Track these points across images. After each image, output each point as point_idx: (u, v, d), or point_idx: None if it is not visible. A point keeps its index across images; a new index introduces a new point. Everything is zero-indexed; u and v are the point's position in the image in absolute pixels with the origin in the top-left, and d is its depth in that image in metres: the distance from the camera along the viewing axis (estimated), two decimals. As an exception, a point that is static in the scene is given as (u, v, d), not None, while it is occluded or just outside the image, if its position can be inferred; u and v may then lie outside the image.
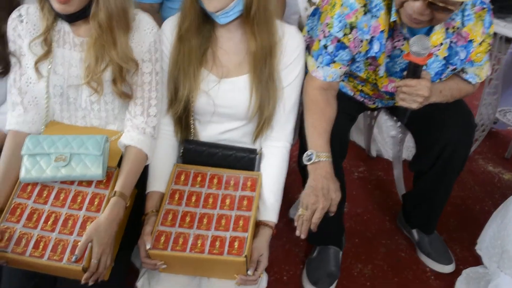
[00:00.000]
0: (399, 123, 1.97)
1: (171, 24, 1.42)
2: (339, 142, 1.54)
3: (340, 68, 1.49)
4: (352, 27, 1.42)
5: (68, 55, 1.33)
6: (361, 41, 1.45)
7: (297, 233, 1.37)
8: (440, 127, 1.59)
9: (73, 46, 1.33)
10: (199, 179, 1.44)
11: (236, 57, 1.41)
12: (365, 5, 1.41)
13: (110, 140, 1.37)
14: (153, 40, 1.36)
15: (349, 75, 1.65)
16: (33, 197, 1.29)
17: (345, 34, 1.43)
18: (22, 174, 1.27)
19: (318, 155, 1.41)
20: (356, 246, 1.91)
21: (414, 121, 1.60)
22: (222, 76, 1.41)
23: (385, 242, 1.94)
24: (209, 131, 1.47)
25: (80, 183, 1.31)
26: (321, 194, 1.35)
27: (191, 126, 1.46)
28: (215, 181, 1.43)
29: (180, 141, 1.49)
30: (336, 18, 1.43)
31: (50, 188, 1.30)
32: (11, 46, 1.36)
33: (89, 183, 1.31)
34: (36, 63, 1.31)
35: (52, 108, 1.38)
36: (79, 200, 1.28)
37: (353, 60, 1.52)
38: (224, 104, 1.41)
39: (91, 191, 1.30)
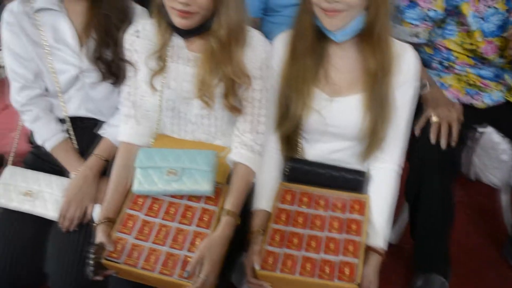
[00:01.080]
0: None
1: (282, 41, 1.39)
2: (450, 162, 1.47)
3: (409, 27, 1.56)
4: None
5: (182, 69, 1.35)
6: None
7: (434, 139, 1.46)
8: None
9: (186, 61, 1.35)
10: (305, 199, 1.40)
11: (348, 75, 1.36)
12: None
13: (219, 155, 1.36)
14: (265, 57, 1.34)
15: (448, 65, 1.60)
16: (144, 210, 1.30)
17: None
18: (135, 186, 1.29)
19: (430, 83, 1.53)
20: (462, 278, 1.78)
21: None
22: (334, 94, 1.36)
23: (493, 276, 1.80)
24: (316, 150, 1.43)
25: (190, 197, 1.31)
26: (450, 107, 1.47)
27: (298, 144, 1.42)
28: (322, 202, 1.39)
29: (285, 158, 1.46)
30: None
31: (161, 201, 1.31)
32: (127, 60, 1.40)
33: (198, 198, 1.31)
34: (151, 78, 1.34)
35: (163, 121, 1.40)
36: (189, 215, 1.28)
37: (440, 23, 1.53)
38: (335, 123, 1.37)
39: (201, 207, 1.30)
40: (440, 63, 1.64)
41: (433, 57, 1.66)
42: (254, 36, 1.35)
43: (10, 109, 3.30)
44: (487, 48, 1.53)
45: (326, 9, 1.23)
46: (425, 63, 1.67)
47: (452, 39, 1.58)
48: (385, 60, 1.31)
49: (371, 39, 1.30)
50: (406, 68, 1.35)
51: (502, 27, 1.52)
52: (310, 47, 1.33)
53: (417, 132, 1.44)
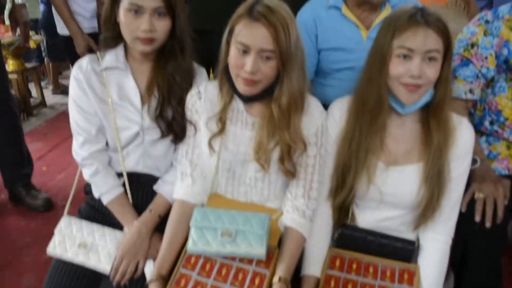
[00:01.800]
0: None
1: (340, 107, 1.43)
2: (496, 236, 1.46)
3: (464, 84, 1.62)
4: (473, 45, 1.62)
5: (239, 132, 1.39)
6: (486, 57, 1.59)
7: (479, 218, 1.45)
8: None
9: (245, 125, 1.39)
10: (354, 266, 1.40)
11: (405, 145, 1.39)
12: (485, 31, 1.62)
13: (272, 219, 1.39)
14: (320, 124, 1.38)
15: (498, 127, 1.64)
16: (197, 269, 1.32)
17: (466, 50, 1.63)
18: (190, 245, 1.32)
19: (481, 158, 1.56)
20: None
21: None
22: (390, 163, 1.38)
23: None
24: (367, 217, 1.44)
25: (242, 259, 1.33)
26: (497, 182, 1.49)
27: (350, 211, 1.44)
28: (371, 270, 1.39)
29: (335, 224, 1.47)
30: (458, 43, 1.65)
31: (213, 262, 1.33)
32: (188, 119, 1.45)
33: (250, 260, 1.33)
34: (210, 139, 1.39)
35: (218, 182, 1.44)
36: (240, 278, 1.30)
37: (491, 81, 1.61)
38: (390, 192, 1.38)
39: (252, 270, 1.31)
40: (491, 123, 1.67)
41: (483, 119, 1.69)
42: (311, 103, 1.39)
43: (58, 149, 3.44)
44: None
45: (409, 84, 1.27)
46: (476, 126, 1.70)
47: (503, 95, 1.62)
48: (443, 133, 1.34)
49: (437, 113, 1.34)
50: (462, 141, 1.37)
51: None
52: (374, 118, 1.35)
53: (463, 208, 1.44)
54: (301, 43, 1.31)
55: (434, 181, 1.34)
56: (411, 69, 1.25)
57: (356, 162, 1.36)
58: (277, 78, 1.31)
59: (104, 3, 1.46)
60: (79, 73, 1.49)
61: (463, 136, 1.37)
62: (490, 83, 1.64)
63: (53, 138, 3.68)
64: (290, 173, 1.37)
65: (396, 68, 1.27)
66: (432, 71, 1.26)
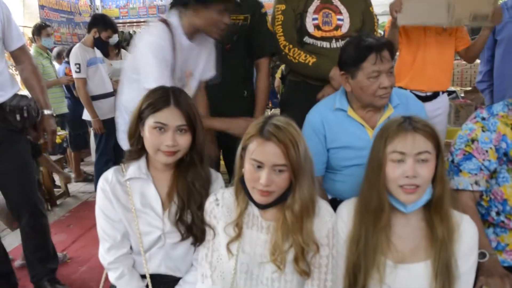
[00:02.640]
0: None
1: (348, 209, 1.53)
2: None
3: (469, 177, 1.71)
4: (473, 140, 1.74)
5: (255, 236, 1.49)
6: (486, 151, 1.69)
7: None
8: None
9: (260, 228, 1.49)
10: None
11: (411, 243, 1.47)
12: (482, 127, 1.74)
13: (289, 319, 1.45)
14: (331, 226, 1.48)
15: (505, 217, 1.70)
16: None
17: (467, 145, 1.73)
18: None
19: (490, 253, 1.58)
20: None
21: None
22: (398, 261, 1.45)
23: None
24: None
25: None
26: (504, 277, 1.53)
27: None
28: None
29: None
30: (459, 139, 1.77)
31: None
32: (208, 224, 1.56)
33: None
34: (228, 243, 1.49)
35: (237, 282, 1.52)
36: None
37: (494, 172, 1.70)
38: None
39: None
40: (497, 214, 1.73)
41: (490, 209, 1.75)
42: (322, 207, 1.50)
43: (81, 241, 3.54)
44: None
45: (406, 185, 1.38)
46: (483, 217, 1.77)
47: (507, 184, 1.70)
48: (450, 229, 1.42)
49: (438, 209, 1.44)
50: (466, 237, 1.44)
51: None
52: (380, 218, 1.45)
53: None
54: (309, 154, 1.44)
55: (444, 277, 1.41)
56: (406, 171, 1.37)
57: (365, 261, 1.44)
58: (290, 186, 1.43)
59: (129, 121, 1.62)
60: (105, 184, 1.63)
61: (467, 231, 1.45)
62: (493, 174, 1.73)
63: (76, 229, 3.80)
64: (305, 273, 1.45)
65: (392, 171, 1.39)
66: (425, 171, 1.38)
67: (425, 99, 2.87)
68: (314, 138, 1.95)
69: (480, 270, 1.57)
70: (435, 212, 1.44)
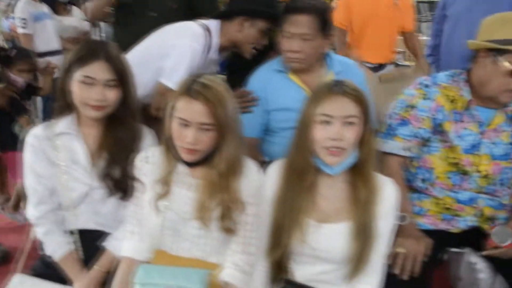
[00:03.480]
0: (488, 265, 1.94)
1: (276, 170, 1.55)
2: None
3: (402, 142, 1.76)
4: (412, 106, 1.77)
5: (184, 194, 1.50)
6: (423, 119, 1.74)
7: (398, 271, 1.57)
8: None
9: (189, 186, 1.51)
10: None
11: (335, 203, 1.51)
12: (423, 94, 1.77)
13: (212, 274, 1.48)
14: (258, 185, 1.51)
15: (428, 185, 1.78)
16: None
17: (405, 111, 1.77)
18: (134, 301, 1.41)
19: (410, 216, 1.69)
20: None
21: (506, 264, 1.65)
22: (321, 221, 1.50)
23: None
24: (305, 272, 1.54)
25: (182, 314, 1.41)
26: (419, 240, 1.64)
27: (287, 267, 1.54)
28: None
29: (274, 279, 1.56)
30: (399, 103, 1.80)
31: None
32: (137, 181, 1.56)
33: (190, 315, 1.41)
34: (156, 200, 1.49)
35: (163, 239, 1.53)
36: None
37: (427, 141, 1.75)
38: (322, 248, 1.49)
39: None
40: (422, 181, 1.81)
41: (416, 175, 1.83)
42: (250, 167, 1.52)
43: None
44: (465, 161, 1.73)
45: (331, 147, 1.41)
46: (408, 182, 1.84)
47: (436, 154, 1.76)
48: (372, 191, 1.47)
49: (362, 172, 1.48)
50: (387, 199, 1.50)
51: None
52: (304, 179, 1.48)
53: (388, 261, 1.57)
54: (237, 113, 1.45)
55: (363, 238, 1.46)
56: (332, 133, 1.40)
57: (289, 220, 1.48)
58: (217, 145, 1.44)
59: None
60: (34, 139, 1.61)
61: (388, 194, 1.50)
62: (426, 142, 1.79)
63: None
64: (230, 231, 1.48)
65: (319, 133, 1.42)
66: (351, 134, 1.41)
67: (373, 70, 2.93)
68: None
69: (398, 232, 1.64)
70: (359, 175, 1.48)
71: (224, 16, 2.10)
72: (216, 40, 2.06)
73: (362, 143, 1.46)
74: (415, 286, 1.60)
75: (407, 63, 5.54)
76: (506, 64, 1.57)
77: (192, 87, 1.39)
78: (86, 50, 1.52)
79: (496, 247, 1.62)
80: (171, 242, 1.53)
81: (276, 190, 1.53)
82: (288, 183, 1.50)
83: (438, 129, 1.75)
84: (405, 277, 1.56)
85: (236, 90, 2.14)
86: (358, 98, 1.43)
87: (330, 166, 1.45)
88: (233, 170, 1.45)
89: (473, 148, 1.73)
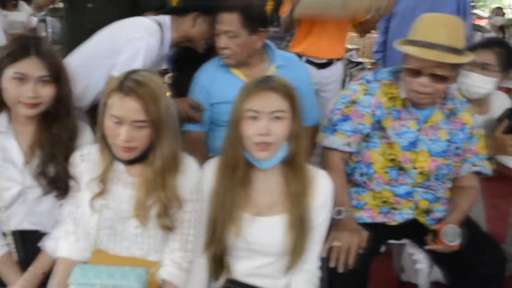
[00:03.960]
0: (426, 256, 2.00)
1: (212, 167, 1.56)
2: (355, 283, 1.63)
3: (343, 137, 1.79)
4: (354, 102, 1.80)
5: (121, 192, 1.48)
6: (363, 115, 1.78)
7: (333, 264, 1.58)
8: (470, 264, 1.68)
9: (125, 184, 1.49)
10: None
11: (270, 197, 1.54)
12: (365, 90, 1.81)
13: (150, 272, 1.47)
14: (196, 182, 1.51)
15: (367, 179, 1.83)
16: None
17: (347, 107, 1.80)
18: (69, 303, 1.38)
19: (347, 210, 1.71)
20: None
21: (442, 256, 1.70)
22: (256, 214, 1.52)
23: None
24: (242, 266, 1.56)
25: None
26: (354, 233, 1.65)
27: (226, 262, 1.55)
28: None
29: (212, 274, 1.57)
30: (341, 99, 1.85)
31: None
32: (74, 179, 1.53)
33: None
34: (92, 199, 1.47)
35: (101, 238, 1.51)
36: None
37: (367, 136, 1.80)
38: (258, 241, 1.51)
39: None
40: (361, 175, 1.85)
41: (355, 170, 1.87)
42: (188, 164, 1.52)
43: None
44: (403, 158, 1.78)
45: (260, 143, 1.43)
46: (348, 176, 1.89)
47: (375, 150, 1.80)
48: (305, 184, 1.50)
49: (293, 166, 1.50)
50: (321, 192, 1.54)
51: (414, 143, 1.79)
52: (236, 174, 1.50)
53: (324, 253, 1.61)
54: (172, 110, 1.45)
55: (298, 230, 1.49)
56: (259, 128, 1.42)
57: (223, 215, 1.49)
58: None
59: None
60: None
61: (321, 187, 1.54)
62: (366, 138, 1.83)
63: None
64: (168, 228, 1.47)
65: (248, 129, 1.43)
66: (279, 129, 1.43)
67: (320, 66, 2.95)
68: (197, 94, 2.05)
69: (336, 226, 1.68)
70: (291, 169, 1.51)
71: (177, 12, 2.09)
72: (168, 36, 2.05)
73: (293, 137, 1.48)
74: (355, 277, 1.63)
75: (360, 59, 5.68)
76: None
77: (125, 84, 1.37)
78: (17, 46, 1.48)
79: (445, 246, 1.66)
80: (110, 241, 1.51)
81: (212, 186, 1.53)
82: (222, 178, 1.51)
83: (377, 126, 1.80)
84: (341, 269, 1.59)
85: (184, 87, 2.16)
86: (287, 93, 1.45)
87: (261, 161, 1.47)
88: (169, 167, 1.44)
89: (411, 145, 1.78)
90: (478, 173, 1.90)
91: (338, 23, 2.95)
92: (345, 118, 1.82)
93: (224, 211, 1.49)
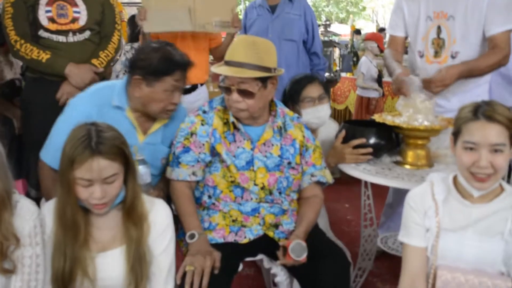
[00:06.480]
0: (282, 268, 2.09)
1: (49, 208, 1.55)
2: None
3: (187, 168, 1.87)
4: (192, 134, 1.90)
5: None
6: (203, 144, 1.88)
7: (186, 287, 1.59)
8: (318, 273, 1.79)
9: None
10: None
11: (109, 232, 1.56)
12: (202, 120, 1.92)
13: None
14: (33, 225, 1.47)
15: (215, 200, 1.92)
16: None
17: (186, 139, 1.89)
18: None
19: (199, 233, 1.76)
20: None
21: (294, 269, 1.81)
22: (98, 250, 1.54)
23: None
24: None
25: None
26: (207, 255, 1.67)
27: None
28: None
29: None
30: (180, 132, 1.93)
31: None
32: None
33: None
34: None
35: None
36: None
37: (209, 163, 1.90)
38: (101, 277, 1.52)
39: None
40: (209, 197, 1.94)
41: (203, 193, 1.95)
42: (23, 207, 1.48)
43: None
44: (241, 179, 1.89)
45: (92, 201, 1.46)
46: (198, 200, 1.97)
47: (217, 173, 1.90)
48: (139, 220, 1.55)
49: (128, 208, 1.55)
50: (158, 220, 1.59)
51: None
52: (73, 215, 1.50)
53: (178, 280, 1.64)
54: None
55: (137, 264, 1.53)
56: (93, 193, 1.45)
57: (66, 255, 1.48)
58: None
59: None
60: None
61: (159, 216, 1.60)
62: (208, 164, 1.93)
63: None
64: (6, 271, 1.41)
65: (81, 193, 1.46)
66: (111, 189, 1.47)
67: (186, 91, 3.01)
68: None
69: (189, 250, 1.72)
70: (126, 212, 1.55)
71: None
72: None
73: (127, 181, 1.53)
74: None
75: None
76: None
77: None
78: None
79: (294, 261, 1.74)
80: None
81: (52, 229, 1.52)
82: (59, 220, 1.50)
83: (214, 151, 1.90)
84: None
85: None
86: (115, 153, 1.47)
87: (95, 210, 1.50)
88: (2, 203, 1.39)
89: (248, 164, 1.90)
90: (319, 183, 2.06)
91: (196, 49, 3.04)
92: (187, 150, 1.90)
93: (65, 251, 1.48)
